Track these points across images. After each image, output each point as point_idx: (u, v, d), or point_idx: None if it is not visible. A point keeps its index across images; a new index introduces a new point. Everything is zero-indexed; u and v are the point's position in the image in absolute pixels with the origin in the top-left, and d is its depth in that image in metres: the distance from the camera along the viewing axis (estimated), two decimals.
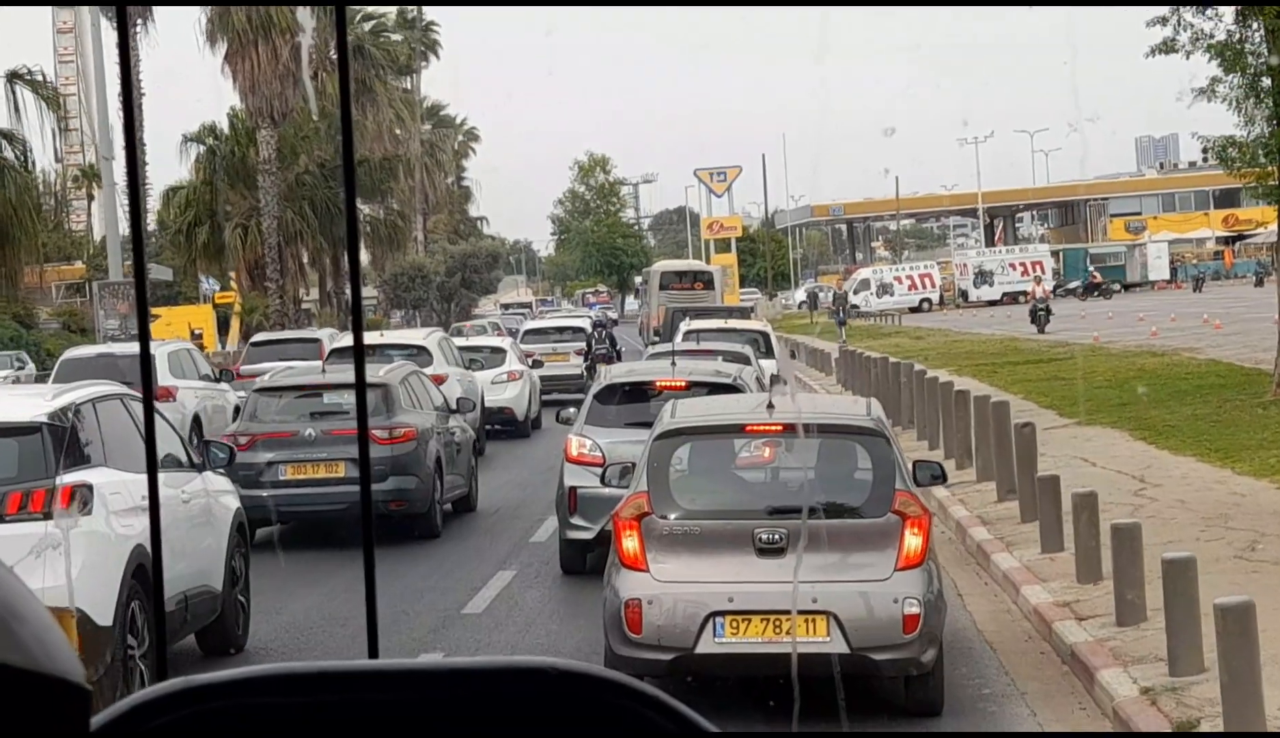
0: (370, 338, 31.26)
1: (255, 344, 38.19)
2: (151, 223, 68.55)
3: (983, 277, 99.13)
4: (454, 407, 21.99)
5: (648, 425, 12.65)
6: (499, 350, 34.08)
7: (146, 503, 9.05)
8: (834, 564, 10.45)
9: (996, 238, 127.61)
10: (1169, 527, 15.70)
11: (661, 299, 56.80)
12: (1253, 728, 8.90)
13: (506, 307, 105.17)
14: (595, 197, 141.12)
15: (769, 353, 28.21)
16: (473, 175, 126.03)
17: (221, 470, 14.18)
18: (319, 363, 25.04)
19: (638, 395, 16.64)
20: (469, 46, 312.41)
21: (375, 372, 20.32)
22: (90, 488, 11.20)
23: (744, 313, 42.77)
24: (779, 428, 11.21)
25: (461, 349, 32.84)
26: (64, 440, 11.33)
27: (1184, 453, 21.05)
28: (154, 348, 26.95)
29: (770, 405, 11.35)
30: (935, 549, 11.38)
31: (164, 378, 27.10)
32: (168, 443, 13.22)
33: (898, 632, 10.40)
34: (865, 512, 10.77)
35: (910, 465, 11.71)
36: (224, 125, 61.44)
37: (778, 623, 10.48)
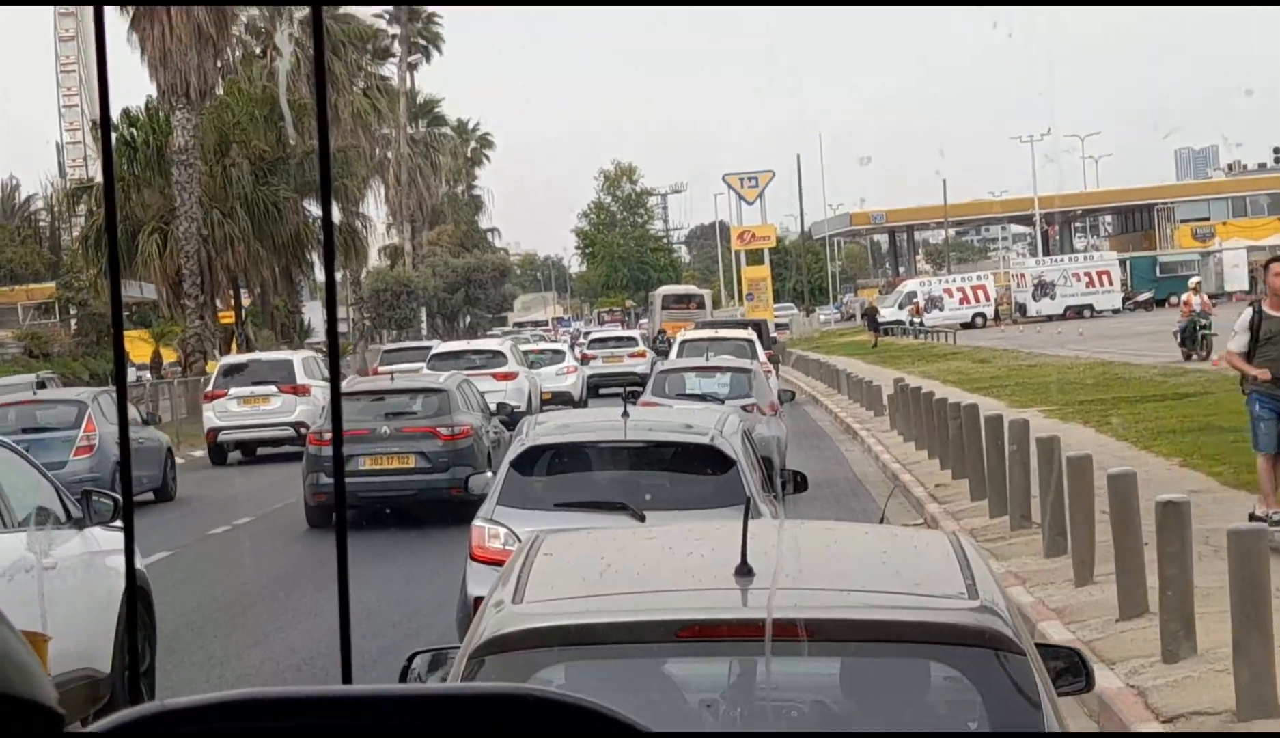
0: (456, 345, 42.44)
1: (387, 352, 47.38)
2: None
3: (1043, 288, 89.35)
4: (494, 410, 24.62)
5: (586, 507, 10.49)
6: (559, 352, 46.25)
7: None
8: None
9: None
10: None
11: (663, 317, 61.98)
12: None
13: (520, 325, 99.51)
14: (622, 208, 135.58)
15: (755, 356, 30.58)
16: (484, 184, 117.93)
17: (111, 525, 11.65)
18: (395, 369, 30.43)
19: (574, 462, 12.04)
20: (483, 51, 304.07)
21: (436, 378, 24.10)
22: None
23: (755, 326, 44.94)
24: (757, 630, 4.23)
25: (532, 352, 43.99)
26: None
27: None
28: (289, 355, 36.64)
29: (744, 570, 4.47)
30: None
31: (300, 378, 33.86)
32: (39, 494, 11.14)
33: None
34: None
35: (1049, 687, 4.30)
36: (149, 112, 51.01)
37: None
